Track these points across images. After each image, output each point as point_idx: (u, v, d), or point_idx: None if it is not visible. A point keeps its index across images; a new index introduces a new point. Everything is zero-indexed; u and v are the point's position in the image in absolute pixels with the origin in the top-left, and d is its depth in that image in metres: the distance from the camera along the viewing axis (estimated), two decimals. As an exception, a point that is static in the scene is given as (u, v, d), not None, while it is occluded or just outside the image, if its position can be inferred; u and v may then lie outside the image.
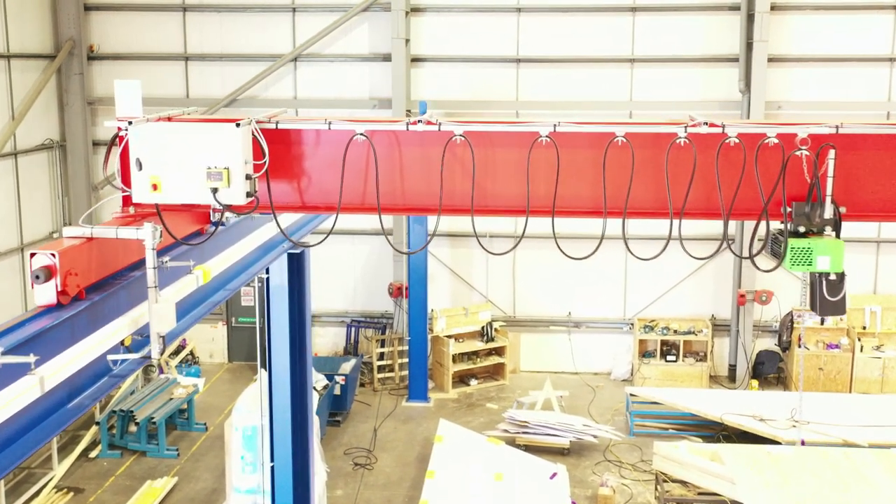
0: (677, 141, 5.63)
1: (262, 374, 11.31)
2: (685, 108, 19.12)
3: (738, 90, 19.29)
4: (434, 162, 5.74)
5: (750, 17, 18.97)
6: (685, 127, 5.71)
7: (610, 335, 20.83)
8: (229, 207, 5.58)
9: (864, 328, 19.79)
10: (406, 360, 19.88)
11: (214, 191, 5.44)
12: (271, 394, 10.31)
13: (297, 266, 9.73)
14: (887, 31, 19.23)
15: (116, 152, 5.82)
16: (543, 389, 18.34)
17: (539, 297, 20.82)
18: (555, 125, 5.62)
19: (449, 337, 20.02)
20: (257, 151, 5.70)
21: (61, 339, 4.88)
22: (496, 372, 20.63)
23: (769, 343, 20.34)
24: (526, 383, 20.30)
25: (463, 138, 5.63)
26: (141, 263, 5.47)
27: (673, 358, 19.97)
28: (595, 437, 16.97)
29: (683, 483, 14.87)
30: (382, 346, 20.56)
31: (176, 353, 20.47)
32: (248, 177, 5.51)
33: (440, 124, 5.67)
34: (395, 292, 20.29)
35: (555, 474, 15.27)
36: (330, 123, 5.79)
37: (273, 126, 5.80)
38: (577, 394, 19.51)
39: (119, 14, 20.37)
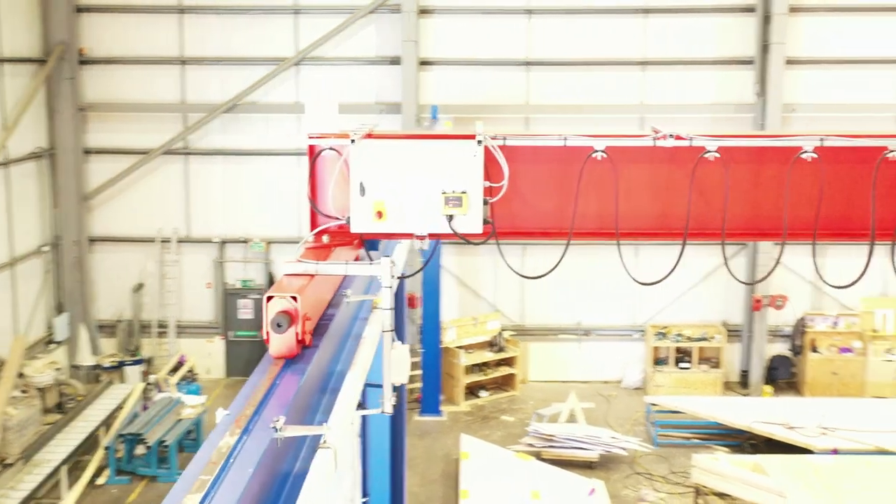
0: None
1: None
2: (698, 111, 18.97)
3: (753, 93, 19.04)
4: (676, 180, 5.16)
5: (766, 19, 18.72)
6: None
7: (620, 343, 20.47)
8: (464, 237, 4.95)
9: (876, 331, 19.70)
10: (418, 371, 19.28)
11: (450, 218, 4.80)
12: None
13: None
14: (900, 33, 19.16)
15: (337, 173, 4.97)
16: (567, 401, 17.87)
17: (548, 305, 20.37)
18: (821, 139, 5.10)
19: (460, 348, 19.47)
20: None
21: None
22: (506, 383, 20.13)
23: (781, 348, 20.15)
24: (538, 394, 19.84)
25: (717, 155, 5.07)
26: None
27: (687, 365, 19.67)
28: (624, 449, 16.56)
29: (722, 496, 14.55)
30: (391, 358, 19.91)
31: (174, 370, 19.60)
32: (485, 201, 4.88)
33: (692, 138, 5.10)
34: (407, 303, 19.64)
35: (593, 490, 14.82)
36: (566, 139, 5.17)
37: (501, 142, 5.14)
38: (590, 404, 19.09)
39: (112, 16, 19.44)
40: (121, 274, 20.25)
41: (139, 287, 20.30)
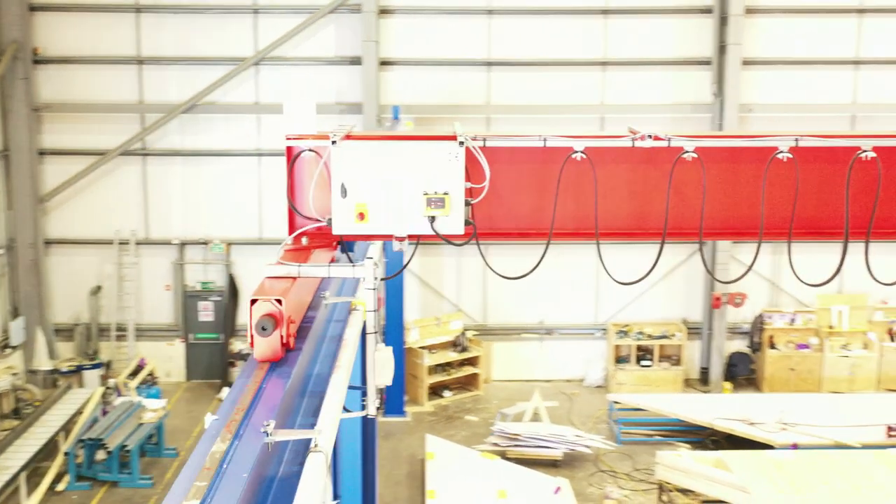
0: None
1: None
2: (657, 111, 19.16)
3: (710, 93, 19.26)
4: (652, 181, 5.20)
5: (723, 20, 18.95)
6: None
7: (582, 341, 20.59)
8: (446, 238, 4.93)
9: (832, 327, 20.03)
10: (381, 373, 19.20)
11: (432, 220, 4.78)
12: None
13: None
14: (851, 35, 19.48)
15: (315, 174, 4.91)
16: (532, 400, 17.93)
17: (510, 304, 20.43)
18: (796, 139, 5.15)
19: (423, 348, 19.46)
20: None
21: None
22: (469, 382, 20.15)
23: (740, 345, 20.41)
24: (501, 393, 19.90)
25: (695, 155, 5.10)
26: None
27: (648, 363, 19.84)
28: (588, 447, 16.66)
29: (686, 492, 14.70)
30: (353, 359, 19.85)
31: (134, 373, 19.35)
32: (466, 202, 4.86)
33: (670, 139, 5.13)
34: (369, 304, 19.60)
35: (559, 489, 14.89)
36: (546, 140, 5.17)
37: (481, 143, 5.14)
38: (554, 402, 19.18)
39: (67, 15, 19.12)
40: (78, 277, 19.94)
41: (97, 290, 20.00)
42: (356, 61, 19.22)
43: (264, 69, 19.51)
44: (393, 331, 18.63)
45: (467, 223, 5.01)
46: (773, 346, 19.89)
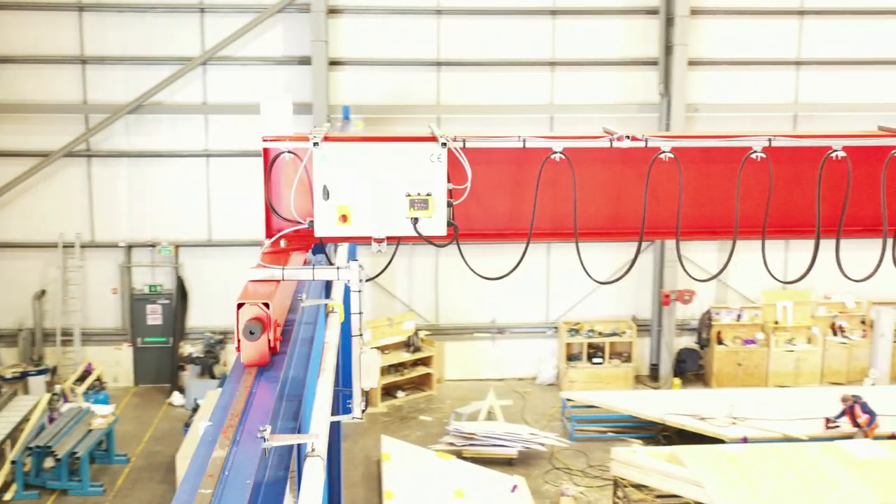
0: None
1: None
2: (605, 110, 19.36)
3: (657, 93, 19.51)
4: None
5: (669, 21, 19.22)
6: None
7: (534, 340, 20.72)
8: (429, 239, 4.90)
9: (777, 323, 20.43)
10: (334, 375, 19.10)
11: (415, 221, 4.75)
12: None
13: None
14: (792, 36, 19.89)
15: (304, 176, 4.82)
16: (486, 399, 18.00)
17: (462, 304, 20.48)
18: (770, 139, 5.23)
19: (375, 349, 19.35)
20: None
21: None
22: (422, 382, 20.16)
23: (688, 341, 20.72)
24: (454, 393, 19.94)
25: (671, 155, 5.15)
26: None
27: (599, 360, 20.04)
28: (542, 445, 16.77)
29: (641, 487, 14.88)
30: (305, 361, 19.72)
31: (81, 379, 18.98)
32: (448, 204, 4.85)
33: (646, 139, 5.18)
34: (322, 305, 19.50)
35: (515, 487, 14.98)
36: (525, 141, 5.18)
37: (461, 144, 5.12)
38: (508, 401, 19.27)
39: (7, 14, 18.70)
40: (21, 281, 19.50)
41: (41, 294, 19.58)
42: (305, 61, 19.09)
43: (212, 69, 19.28)
44: (346, 332, 18.51)
45: (449, 224, 5.01)
46: (720, 342, 20.22)
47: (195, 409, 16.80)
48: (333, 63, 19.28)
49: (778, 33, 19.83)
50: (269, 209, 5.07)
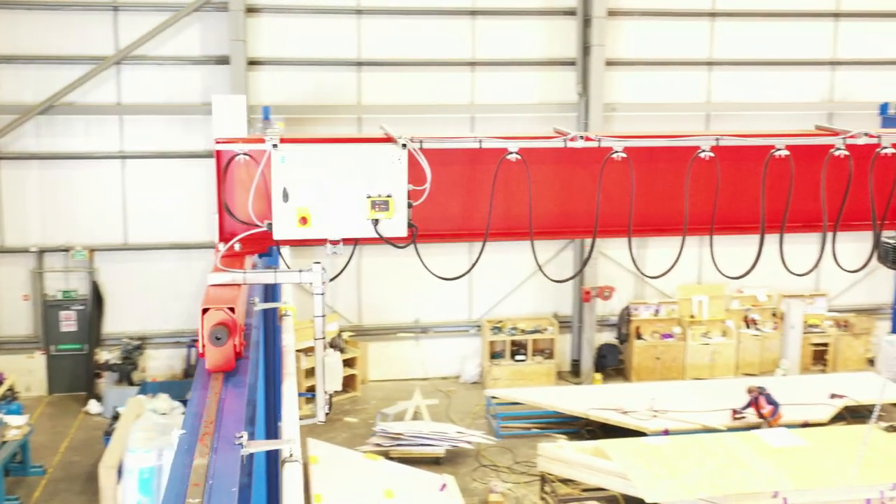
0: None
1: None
2: (525, 110, 19.58)
3: (575, 93, 19.80)
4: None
5: (586, 22, 19.52)
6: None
7: (457, 338, 20.82)
8: (390, 240, 4.87)
9: (693, 317, 20.95)
10: (257, 378, 18.87)
11: (376, 222, 4.72)
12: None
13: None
14: (705, 37, 20.43)
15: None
16: (413, 399, 18.00)
17: (385, 304, 20.45)
18: (717, 139, 5.35)
19: (299, 351, 19.19)
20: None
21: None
22: (346, 384, 20.00)
23: (608, 337, 21.08)
24: (379, 393, 19.90)
25: (624, 155, 5.23)
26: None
27: (522, 357, 20.23)
28: (469, 443, 16.87)
29: (568, 482, 15.10)
30: (227, 365, 19.40)
31: (-8, 389, 18.30)
32: (409, 205, 4.83)
33: (599, 140, 5.24)
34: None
35: (444, 485, 15.02)
36: (482, 141, 5.19)
37: (417, 146, 5.11)
38: (434, 400, 19.33)
39: None
40: (-74, 289, 18.74)
41: (-53, 302, 18.86)
42: (223, 61, 18.80)
43: (126, 69, 18.83)
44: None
45: (410, 225, 5.01)
46: (639, 337, 20.64)
47: (115, 417, 16.37)
48: (252, 63, 19.03)
49: (691, 35, 20.34)
50: (226, 212, 4.99)
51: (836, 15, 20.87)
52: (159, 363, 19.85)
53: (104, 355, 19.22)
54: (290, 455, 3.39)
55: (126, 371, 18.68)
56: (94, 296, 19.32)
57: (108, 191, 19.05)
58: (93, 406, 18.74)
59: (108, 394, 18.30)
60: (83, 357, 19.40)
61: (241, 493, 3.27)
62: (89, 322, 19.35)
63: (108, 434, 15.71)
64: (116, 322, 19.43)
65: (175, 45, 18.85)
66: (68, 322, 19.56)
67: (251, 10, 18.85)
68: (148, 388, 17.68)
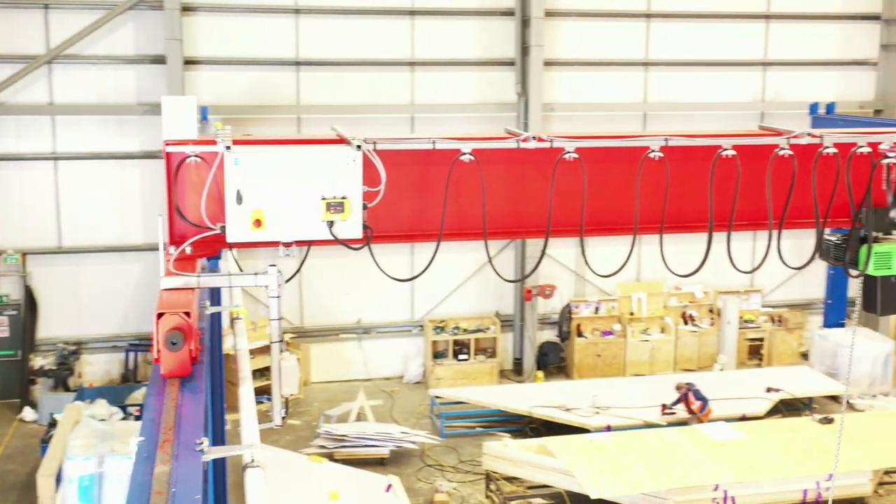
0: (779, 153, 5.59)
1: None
2: (464, 110, 19.64)
3: (514, 93, 19.91)
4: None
5: (525, 23, 19.63)
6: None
7: (400, 339, 20.79)
8: (346, 242, 4.82)
9: (632, 314, 21.22)
10: (197, 382, 18.61)
11: (330, 224, 4.66)
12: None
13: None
14: (640, 38, 20.71)
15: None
16: (357, 400, 17.93)
17: (327, 305, 20.32)
18: (666, 139, 5.41)
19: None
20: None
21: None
22: (288, 386, 19.88)
23: (550, 335, 21.24)
24: (321, 395, 19.76)
25: (576, 155, 5.25)
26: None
27: (465, 356, 20.28)
28: (414, 443, 16.87)
29: (513, 480, 15.20)
30: (166, 369, 19.10)
31: (-79, 398, 17.79)
32: (364, 206, 4.78)
33: (552, 140, 5.25)
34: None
35: (390, 486, 14.99)
36: (435, 142, 5.17)
37: (371, 147, 5.07)
38: (378, 401, 19.28)
39: None
40: None
41: None
42: (159, 60, 18.50)
43: (58, 68, 18.41)
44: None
45: (365, 227, 4.98)
46: (580, 335, 20.83)
47: (51, 424, 16.03)
48: (189, 62, 18.75)
49: (627, 35, 20.59)
50: (177, 215, 4.91)
51: (767, 17, 21.32)
52: (96, 368, 19.47)
53: (39, 361, 18.79)
54: (252, 460, 3.35)
55: (62, 377, 18.29)
56: (28, 300, 18.87)
57: (41, 193, 18.63)
58: (28, 413, 18.30)
59: (43, 400, 17.90)
60: (17, 363, 18.92)
61: (210, 500, 3.22)
62: (23, 327, 18.89)
63: (44, 442, 15.36)
64: (51, 327, 19.01)
65: (109, 44, 18.50)
66: (0, 328, 19.07)
67: (187, 8, 18.58)
68: (85, 394, 17.36)
